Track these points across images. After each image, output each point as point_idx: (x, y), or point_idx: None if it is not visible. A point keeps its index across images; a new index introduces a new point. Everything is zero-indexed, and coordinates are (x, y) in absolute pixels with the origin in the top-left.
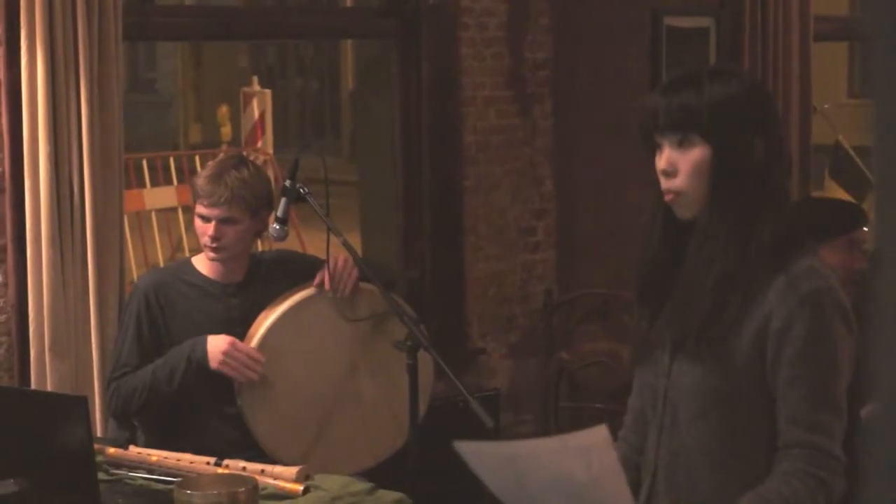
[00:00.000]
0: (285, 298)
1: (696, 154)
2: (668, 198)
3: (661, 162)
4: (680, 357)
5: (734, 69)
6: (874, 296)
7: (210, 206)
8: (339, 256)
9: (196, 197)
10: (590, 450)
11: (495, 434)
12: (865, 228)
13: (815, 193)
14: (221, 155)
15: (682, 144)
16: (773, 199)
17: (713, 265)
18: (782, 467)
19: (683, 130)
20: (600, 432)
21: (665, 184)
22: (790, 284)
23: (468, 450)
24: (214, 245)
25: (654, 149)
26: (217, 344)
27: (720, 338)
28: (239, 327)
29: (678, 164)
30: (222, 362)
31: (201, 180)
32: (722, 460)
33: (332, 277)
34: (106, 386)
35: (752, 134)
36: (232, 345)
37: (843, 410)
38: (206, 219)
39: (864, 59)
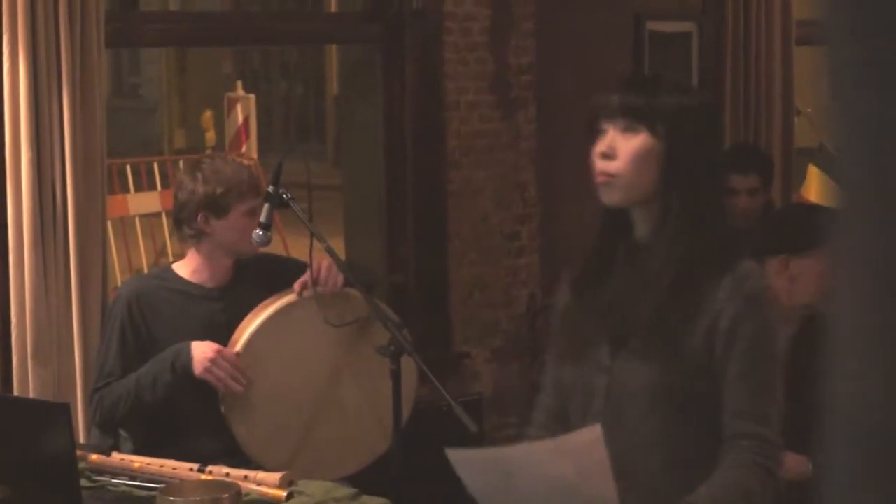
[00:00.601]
0: (268, 304)
1: (639, 141)
2: (599, 179)
3: (602, 145)
4: (624, 354)
5: (690, 85)
6: (830, 315)
7: (260, 195)
8: (323, 262)
9: (238, 196)
10: (582, 449)
11: (479, 438)
12: None
13: (800, 196)
14: (212, 158)
15: (626, 131)
16: (719, 201)
17: (661, 265)
18: (732, 458)
19: (632, 120)
20: (594, 431)
21: (601, 165)
22: (736, 284)
23: (458, 457)
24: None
25: (596, 137)
26: (203, 351)
27: (669, 335)
28: (224, 331)
29: (618, 148)
30: (207, 370)
31: (246, 177)
32: (671, 454)
33: (315, 282)
34: (89, 396)
35: (701, 137)
36: (218, 353)
37: (781, 398)
38: (257, 210)
39: (824, 62)
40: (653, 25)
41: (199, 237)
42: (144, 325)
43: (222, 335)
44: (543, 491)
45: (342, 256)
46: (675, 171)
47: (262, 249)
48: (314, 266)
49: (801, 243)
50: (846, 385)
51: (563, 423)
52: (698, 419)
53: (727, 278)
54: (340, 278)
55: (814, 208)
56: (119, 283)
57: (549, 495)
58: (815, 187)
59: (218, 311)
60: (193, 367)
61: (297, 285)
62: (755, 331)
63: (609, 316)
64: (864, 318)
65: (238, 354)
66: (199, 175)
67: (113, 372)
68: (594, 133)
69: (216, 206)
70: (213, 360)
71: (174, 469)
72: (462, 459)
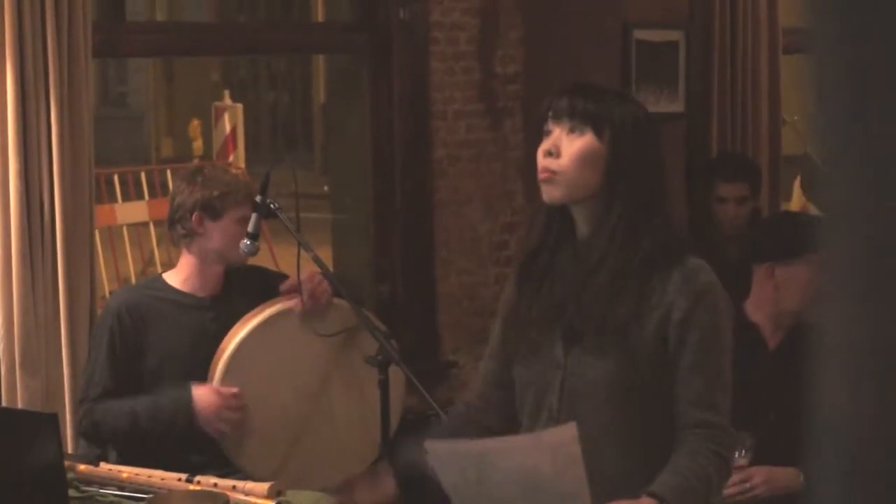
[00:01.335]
0: (256, 313)
1: (584, 141)
2: (542, 176)
3: (547, 143)
4: (577, 350)
5: (634, 97)
6: (817, 328)
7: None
8: (309, 272)
9: (234, 202)
10: (559, 445)
11: None
12: None
13: (786, 206)
14: (213, 167)
15: (572, 131)
16: (660, 204)
17: (606, 262)
18: (688, 446)
19: (578, 122)
20: (570, 429)
21: (544, 162)
22: (686, 278)
23: (435, 449)
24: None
25: (542, 137)
26: (206, 411)
27: (620, 330)
28: (214, 341)
29: (562, 147)
30: (217, 430)
31: (243, 186)
32: (627, 444)
33: (304, 293)
34: (77, 404)
35: (644, 144)
36: (217, 413)
37: (730, 386)
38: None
39: (810, 70)
40: (640, 34)
41: (190, 237)
42: (135, 335)
43: (212, 345)
44: (517, 486)
45: (330, 265)
46: (617, 173)
47: (251, 261)
48: (305, 278)
49: (786, 250)
50: (834, 396)
51: (482, 413)
52: (653, 409)
53: (676, 273)
54: (328, 287)
55: (799, 216)
56: (107, 292)
57: (524, 490)
58: (804, 193)
59: (209, 320)
60: (200, 422)
61: (284, 296)
62: (707, 322)
63: (560, 313)
64: (851, 328)
65: (236, 395)
66: (199, 179)
67: (101, 382)
68: (541, 134)
69: (211, 208)
70: (217, 413)
71: (162, 479)
72: (439, 452)
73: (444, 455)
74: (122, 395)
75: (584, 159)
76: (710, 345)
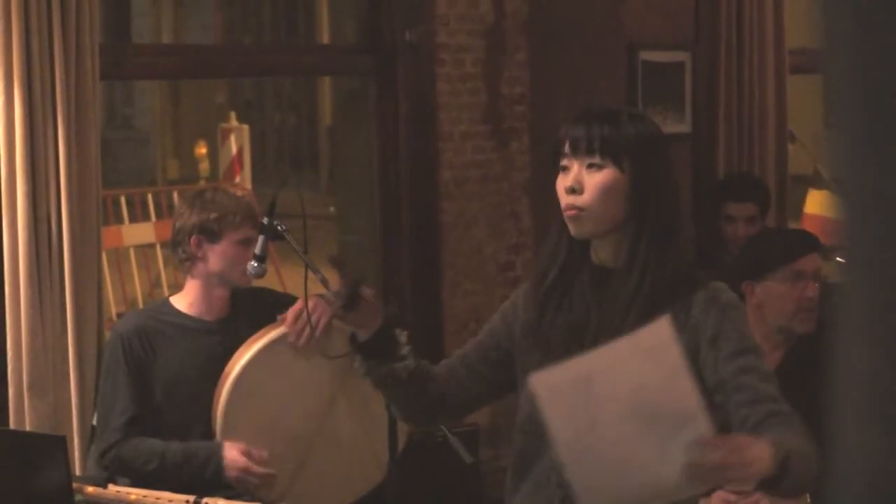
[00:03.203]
0: (260, 336)
1: (605, 175)
2: (569, 213)
3: (568, 180)
4: None
5: (647, 115)
6: (834, 366)
7: (256, 227)
8: (311, 300)
9: (232, 224)
10: (659, 348)
11: (474, 470)
12: (817, 255)
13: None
14: (214, 189)
15: (591, 167)
16: (684, 225)
17: (640, 293)
18: (778, 428)
19: (597, 156)
20: (664, 324)
21: (569, 200)
22: (711, 297)
23: (542, 383)
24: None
25: (558, 171)
26: (234, 459)
27: None
28: (222, 364)
29: (584, 183)
30: (240, 480)
31: (243, 207)
32: None
33: (300, 319)
34: (102, 449)
35: (661, 164)
36: (248, 464)
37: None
38: (251, 241)
39: (825, 91)
40: (646, 55)
41: (191, 261)
42: (144, 360)
43: (220, 368)
44: (632, 419)
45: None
46: (641, 200)
47: (258, 283)
48: (302, 308)
49: (758, 269)
50: (851, 431)
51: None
52: None
53: (700, 294)
54: (325, 316)
55: (769, 232)
56: (114, 314)
57: (638, 420)
58: (815, 210)
59: (216, 343)
60: (226, 473)
61: (288, 320)
62: (736, 332)
63: (579, 337)
64: (868, 364)
65: (264, 457)
66: (198, 202)
67: (125, 409)
68: (558, 168)
69: (209, 231)
70: (244, 471)
71: (170, 501)
72: (544, 382)
73: (550, 389)
74: (144, 422)
75: (607, 192)
76: (746, 349)
